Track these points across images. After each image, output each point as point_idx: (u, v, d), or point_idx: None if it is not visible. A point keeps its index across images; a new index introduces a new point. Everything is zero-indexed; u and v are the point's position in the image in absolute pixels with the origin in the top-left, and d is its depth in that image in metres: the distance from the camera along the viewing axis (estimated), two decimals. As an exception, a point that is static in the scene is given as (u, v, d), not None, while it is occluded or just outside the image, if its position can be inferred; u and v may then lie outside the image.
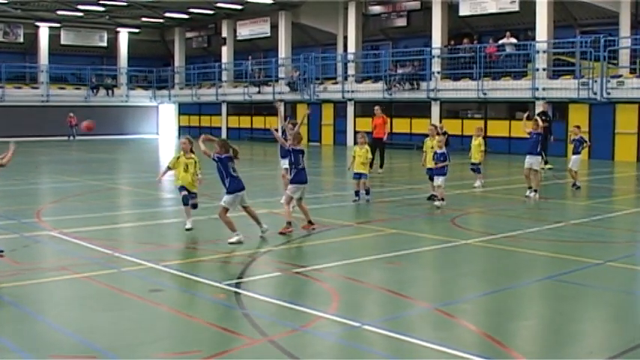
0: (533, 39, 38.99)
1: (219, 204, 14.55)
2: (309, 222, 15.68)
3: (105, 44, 63.11)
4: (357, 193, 19.62)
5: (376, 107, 31.22)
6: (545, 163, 29.25)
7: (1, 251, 12.73)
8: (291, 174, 15.78)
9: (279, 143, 16.38)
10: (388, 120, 31.43)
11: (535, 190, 20.62)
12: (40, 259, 13.17)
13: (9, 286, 11.02)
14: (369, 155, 20.04)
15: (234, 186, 14.25)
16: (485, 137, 35.18)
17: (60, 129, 53.91)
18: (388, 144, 30.42)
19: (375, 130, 29.43)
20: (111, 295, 10.43)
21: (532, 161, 20.81)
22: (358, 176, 19.69)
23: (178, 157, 15.83)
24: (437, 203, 18.80)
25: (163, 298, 10.27)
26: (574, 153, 23.13)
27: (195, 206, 15.83)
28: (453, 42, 44.08)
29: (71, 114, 53.89)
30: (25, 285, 11.06)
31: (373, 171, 25.62)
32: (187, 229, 15.41)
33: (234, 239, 13.93)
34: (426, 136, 20.85)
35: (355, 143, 20.65)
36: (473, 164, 23.32)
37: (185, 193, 15.66)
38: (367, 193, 19.75)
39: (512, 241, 14.53)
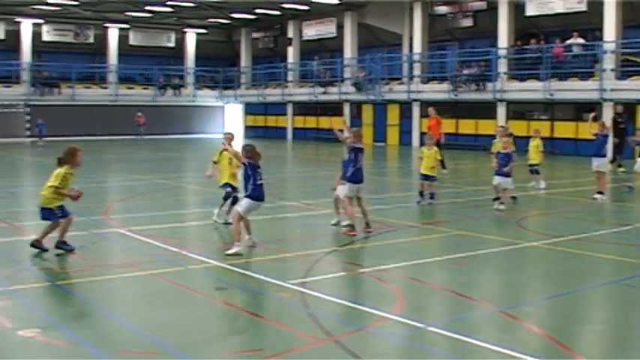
0: (601, 39, 38.47)
1: (236, 209, 14.32)
2: (367, 224, 15.35)
3: (172, 45, 63.73)
4: (421, 194, 19.49)
5: (430, 108, 31.27)
6: (619, 166, 28.89)
7: (73, 249, 12.96)
8: (347, 172, 15.49)
9: (344, 145, 16.17)
10: (442, 121, 31.19)
11: (601, 193, 20.34)
12: (108, 256, 13.40)
13: (78, 282, 11.28)
14: (438, 157, 19.89)
15: (258, 193, 13.59)
16: (551, 139, 34.99)
17: (128, 128, 54.66)
18: (450, 145, 30.21)
19: (430, 131, 29.29)
20: (177, 293, 10.57)
21: (598, 163, 20.54)
22: (425, 178, 19.57)
23: (222, 151, 16.02)
24: (498, 206, 18.54)
25: (228, 296, 10.38)
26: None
27: (235, 200, 15.81)
28: (519, 42, 43.69)
29: (139, 113, 54.63)
30: (94, 281, 11.27)
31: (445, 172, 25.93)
32: (226, 223, 15.85)
33: (233, 250, 13.03)
34: (493, 137, 20.69)
35: (422, 144, 20.55)
36: (531, 165, 23.12)
37: (229, 189, 16.00)
38: (432, 197, 19.59)
39: (578, 243, 14.38)
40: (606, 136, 20.89)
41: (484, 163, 33.85)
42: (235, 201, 15.73)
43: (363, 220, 15.38)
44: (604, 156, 20.84)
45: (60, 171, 12.92)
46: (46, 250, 12.95)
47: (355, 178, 15.34)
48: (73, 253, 12.80)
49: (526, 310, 9.86)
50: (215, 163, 16.40)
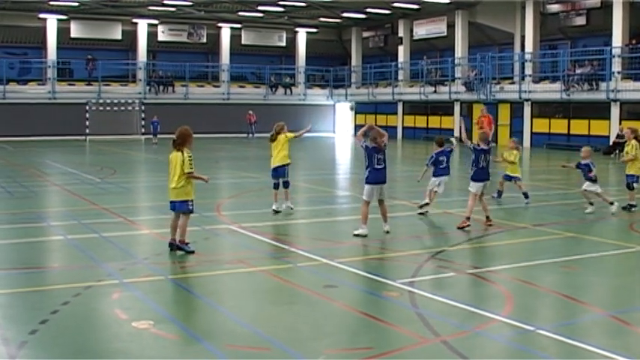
0: None
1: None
2: (487, 217, 16.18)
3: (284, 44, 64.31)
4: (499, 193, 20.43)
5: (482, 107, 31.22)
6: None
7: (193, 251, 13.08)
8: (471, 172, 16.34)
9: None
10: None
11: None
12: (219, 252, 13.64)
13: (190, 276, 11.55)
14: (514, 159, 20.15)
15: (372, 177, 14.83)
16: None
17: (240, 126, 55.35)
18: (562, 145, 29.87)
19: (482, 129, 29.14)
20: (286, 289, 10.72)
21: None
22: (508, 178, 20.35)
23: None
24: (611, 209, 18.16)
25: (337, 294, 10.46)
26: None
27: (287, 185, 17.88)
28: (634, 41, 42.75)
29: (250, 112, 55.25)
30: (205, 276, 11.52)
31: None
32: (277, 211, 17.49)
33: (358, 231, 14.61)
34: (607, 138, 20.30)
35: (531, 145, 20.26)
36: None
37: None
38: (526, 196, 19.70)
39: (695, 248, 14.04)
40: None
41: (597, 163, 33.25)
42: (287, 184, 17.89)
43: (484, 215, 16.22)
44: None
45: (185, 156, 12.87)
46: (192, 252, 12.93)
47: (477, 177, 16.17)
48: (193, 253, 12.98)
49: (637, 316, 9.67)
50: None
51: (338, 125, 63.50)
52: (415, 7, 53.19)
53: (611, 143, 39.02)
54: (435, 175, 17.82)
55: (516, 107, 47.54)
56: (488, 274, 11.60)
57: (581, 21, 45.92)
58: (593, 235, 15.40)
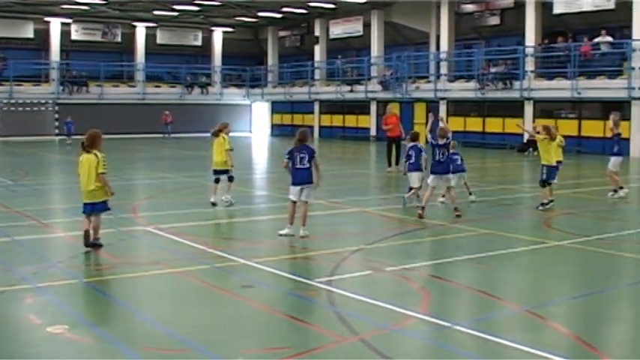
0: (630, 37, 38.23)
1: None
2: (455, 209, 17.14)
3: (199, 43, 63.97)
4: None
5: (389, 106, 31.84)
6: None
7: (101, 245, 13.06)
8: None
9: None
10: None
11: (621, 187, 20.40)
12: (136, 254, 13.48)
13: (106, 279, 11.39)
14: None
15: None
16: (578, 138, 34.81)
17: (155, 127, 54.82)
18: (477, 143, 30.33)
19: (392, 129, 29.58)
20: (204, 291, 10.63)
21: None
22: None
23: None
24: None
25: (255, 294, 10.41)
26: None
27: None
28: (546, 40, 43.51)
29: (166, 112, 54.82)
30: (121, 279, 11.36)
31: (391, 170, 27.67)
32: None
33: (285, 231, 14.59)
34: (521, 136, 20.78)
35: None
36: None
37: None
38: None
39: (606, 243, 14.30)
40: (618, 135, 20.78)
41: (511, 162, 33.82)
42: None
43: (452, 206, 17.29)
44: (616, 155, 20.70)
45: (100, 157, 12.96)
46: (101, 246, 13.12)
47: (434, 170, 17.27)
48: (98, 251, 12.89)
49: (552, 310, 9.84)
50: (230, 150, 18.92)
51: (255, 125, 63.36)
52: (331, 6, 53.34)
53: (525, 141, 39.62)
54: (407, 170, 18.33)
55: (432, 106, 47.96)
56: (405, 272, 11.66)
57: (495, 21, 46.64)
58: (507, 232, 15.61)
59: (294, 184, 14.65)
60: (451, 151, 17.95)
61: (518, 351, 7.99)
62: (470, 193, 19.48)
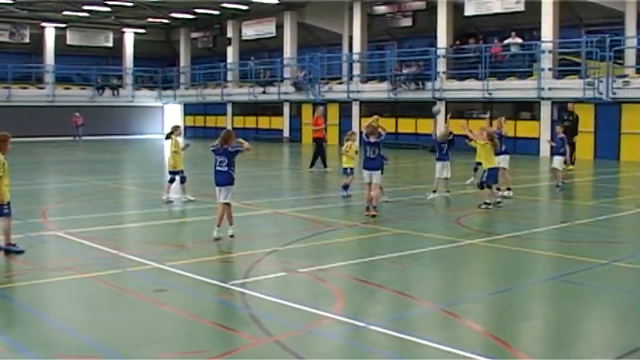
0: (539, 39, 38.95)
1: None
2: (371, 208, 17.29)
3: (110, 44, 63.18)
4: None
5: (319, 108, 32.18)
6: (572, 163, 29.29)
7: (22, 251, 12.78)
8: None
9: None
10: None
11: (507, 189, 20.80)
12: (46, 259, 13.19)
13: (15, 286, 11.11)
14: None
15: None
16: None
17: (66, 129, 53.90)
18: (389, 144, 30.60)
19: (320, 130, 29.89)
20: (116, 295, 10.45)
21: (498, 160, 20.78)
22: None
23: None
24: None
25: (168, 298, 10.29)
26: (556, 153, 23.18)
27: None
28: (458, 42, 44.08)
29: (77, 114, 54.00)
30: (31, 285, 11.10)
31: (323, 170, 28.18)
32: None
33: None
34: (430, 135, 21.07)
35: (361, 143, 20.61)
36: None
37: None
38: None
39: (517, 241, 14.52)
40: (502, 136, 21.15)
41: (423, 162, 34.10)
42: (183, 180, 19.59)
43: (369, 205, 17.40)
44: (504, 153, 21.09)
45: (1, 159, 12.72)
46: (22, 252, 12.91)
47: (364, 165, 17.79)
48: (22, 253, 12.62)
49: (466, 308, 9.92)
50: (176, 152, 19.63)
51: (167, 127, 62.78)
52: (244, 7, 53.19)
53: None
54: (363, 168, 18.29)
55: (345, 107, 48.16)
56: (319, 273, 11.65)
57: (407, 22, 47.05)
58: (421, 231, 15.72)
59: (216, 184, 14.67)
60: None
61: (434, 349, 8.02)
62: (382, 194, 19.61)
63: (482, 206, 18.65)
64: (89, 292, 10.69)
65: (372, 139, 17.70)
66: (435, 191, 20.10)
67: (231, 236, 14.47)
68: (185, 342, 8.46)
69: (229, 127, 15.06)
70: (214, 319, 9.27)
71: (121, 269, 11.92)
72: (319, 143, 29.65)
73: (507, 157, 21.24)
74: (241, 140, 14.81)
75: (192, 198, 19.58)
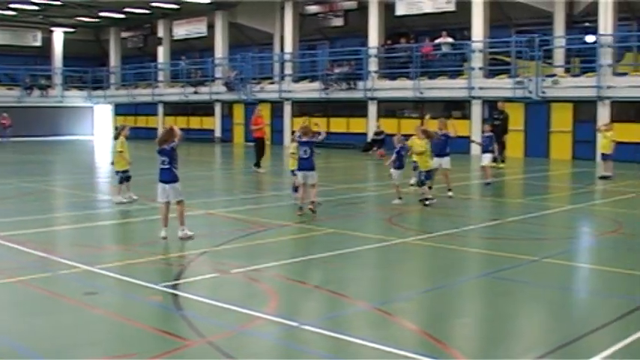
0: (469, 38, 39.36)
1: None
2: (304, 207, 17.52)
3: (39, 44, 62.25)
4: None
5: (258, 108, 32.30)
6: (502, 161, 29.62)
7: None
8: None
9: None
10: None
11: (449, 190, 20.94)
12: (-28, 263, 12.91)
13: (-60, 290, 10.84)
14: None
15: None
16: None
17: (-8, 130, 53.07)
18: (321, 143, 30.57)
19: (260, 130, 29.94)
20: (46, 299, 10.26)
21: (441, 161, 20.94)
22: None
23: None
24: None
25: (99, 301, 10.14)
26: (485, 151, 23.44)
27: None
28: (389, 41, 44.31)
29: (4, 114, 53.15)
30: (-43, 289, 10.85)
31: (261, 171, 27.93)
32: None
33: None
34: (365, 135, 21.14)
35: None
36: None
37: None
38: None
39: (449, 239, 14.62)
40: (447, 136, 21.25)
41: (355, 161, 34.20)
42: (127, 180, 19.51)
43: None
44: (447, 155, 21.18)
45: None
46: None
47: (299, 167, 17.85)
48: None
49: (399, 306, 9.94)
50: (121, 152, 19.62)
51: (97, 128, 62.17)
52: (175, 7, 52.83)
53: (369, 140, 40.24)
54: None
55: (276, 107, 48.12)
56: (252, 273, 11.58)
57: (339, 22, 47.15)
58: (354, 231, 15.73)
59: (160, 181, 14.62)
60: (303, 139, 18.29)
61: (368, 348, 8.02)
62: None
63: (427, 202, 19.05)
64: (18, 297, 10.47)
65: (305, 139, 17.71)
66: (400, 198, 19.78)
67: (183, 237, 14.31)
68: (116, 345, 8.34)
69: (173, 126, 14.84)
70: (146, 321, 9.15)
71: (51, 272, 11.72)
72: (260, 142, 29.58)
73: (448, 158, 21.25)
74: (176, 130, 14.76)
75: (135, 197, 19.41)
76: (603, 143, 26.57)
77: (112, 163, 20.29)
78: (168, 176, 14.51)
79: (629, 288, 11.00)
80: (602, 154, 26.62)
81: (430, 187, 19.70)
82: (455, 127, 21.63)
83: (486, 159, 23.33)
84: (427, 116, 23.55)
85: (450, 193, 20.59)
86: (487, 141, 23.61)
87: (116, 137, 20.34)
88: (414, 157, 20.06)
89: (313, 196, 17.72)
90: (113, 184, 19.99)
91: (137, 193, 19.48)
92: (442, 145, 20.85)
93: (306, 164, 17.66)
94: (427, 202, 19.09)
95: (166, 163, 14.48)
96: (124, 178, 19.55)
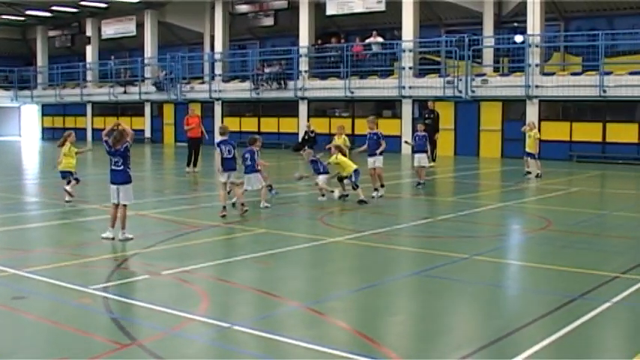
0: (400, 38, 39.61)
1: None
2: (227, 208, 17.41)
3: (-38, 43, 61.27)
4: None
5: (191, 108, 32.42)
6: (433, 160, 29.86)
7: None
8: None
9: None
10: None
11: (380, 187, 21.10)
12: None
13: None
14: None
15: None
16: (353, 135, 35.70)
17: None
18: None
19: (193, 130, 29.95)
20: (-29, 303, 10.05)
21: (374, 160, 21.08)
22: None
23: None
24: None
25: (27, 305, 9.95)
26: (420, 151, 23.52)
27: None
28: (320, 41, 44.42)
29: None
30: None
31: (189, 171, 28.46)
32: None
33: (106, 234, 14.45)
34: (296, 135, 21.20)
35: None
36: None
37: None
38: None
39: (380, 237, 14.67)
40: (377, 135, 21.44)
41: (286, 161, 34.18)
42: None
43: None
44: (380, 154, 21.34)
45: None
46: None
47: (222, 166, 17.56)
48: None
49: (332, 305, 9.93)
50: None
51: (24, 128, 61.28)
52: (103, 5, 52.39)
53: (300, 140, 40.26)
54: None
55: (207, 107, 47.90)
56: (183, 274, 11.48)
57: (269, 22, 47.16)
58: (284, 230, 15.72)
59: (111, 182, 14.52)
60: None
61: (301, 348, 7.99)
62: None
63: (363, 203, 19.30)
64: (-58, 301, 10.24)
65: (222, 137, 18.01)
66: (323, 195, 20.25)
67: (123, 240, 14.17)
68: (46, 350, 8.19)
69: (123, 125, 14.77)
70: (76, 325, 8.99)
71: (-23, 276, 11.48)
72: (192, 143, 29.51)
73: (381, 157, 21.36)
74: (127, 130, 14.64)
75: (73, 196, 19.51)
76: (529, 142, 26.93)
77: (57, 166, 20.22)
78: (122, 177, 14.44)
79: (559, 284, 11.13)
80: (528, 153, 26.97)
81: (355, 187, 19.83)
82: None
83: (423, 159, 23.38)
84: (372, 117, 23.38)
85: (378, 193, 20.68)
86: (422, 140, 23.65)
87: (62, 144, 20.10)
88: (336, 166, 20.19)
89: (239, 196, 17.75)
90: (69, 186, 19.57)
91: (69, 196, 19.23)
92: (374, 145, 20.98)
93: (229, 164, 17.61)
94: (366, 200, 19.46)
95: (120, 164, 14.39)
96: (75, 178, 19.83)
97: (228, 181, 17.62)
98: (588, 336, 8.67)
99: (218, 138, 18.14)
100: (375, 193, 20.67)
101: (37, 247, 14.46)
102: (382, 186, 21.01)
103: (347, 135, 22.82)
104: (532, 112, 34.86)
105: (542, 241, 14.81)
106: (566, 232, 15.82)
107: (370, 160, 20.95)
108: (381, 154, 21.10)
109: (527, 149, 26.98)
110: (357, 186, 19.67)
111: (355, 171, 19.73)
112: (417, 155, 23.49)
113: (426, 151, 23.68)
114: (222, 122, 46.23)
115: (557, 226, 16.34)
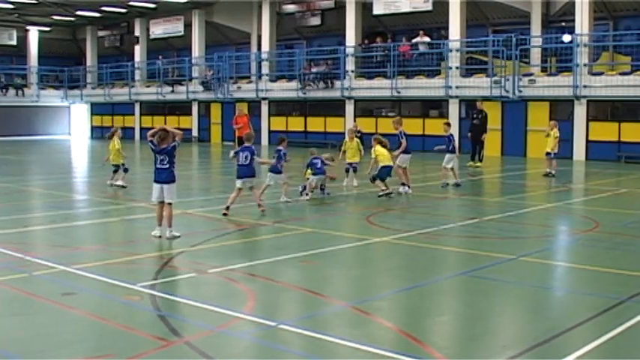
0: (447, 38, 39.47)
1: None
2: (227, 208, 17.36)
3: (14, 42, 61.89)
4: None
5: (239, 107, 32.44)
6: (480, 160, 29.78)
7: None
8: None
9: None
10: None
11: (404, 184, 21.35)
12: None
13: None
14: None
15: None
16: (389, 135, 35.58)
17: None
18: (299, 143, 30.70)
19: (242, 129, 30.02)
20: (21, 300, 10.18)
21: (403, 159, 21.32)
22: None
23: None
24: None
25: (76, 301, 10.07)
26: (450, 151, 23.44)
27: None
28: (366, 41, 44.35)
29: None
30: None
31: None
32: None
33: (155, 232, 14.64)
34: (343, 135, 21.52)
35: (270, 142, 20.60)
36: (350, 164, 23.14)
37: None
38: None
39: (427, 237, 14.63)
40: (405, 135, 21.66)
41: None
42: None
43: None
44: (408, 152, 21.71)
45: None
46: None
47: (237, 174, 17.53)
48: None
49: (377, 305, 9.93)
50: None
51: (74, 127, 61.89)
52: (152, 5, 52.72)
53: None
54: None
55: (254, 106, 48.06)
56: (229, 273, 11.55)
57: (316, 21, 47.12)
58: (331, 230, 15.73)
59: (155, 181, 14.61)
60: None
61: (346, 347, 8.01)
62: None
63: (383, 196, 20.01)
64: (-6, 297, 10.40)
65: (247, 144, 17.93)
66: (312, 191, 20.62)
67: (170, 238, 14.25)
68: (93, 346, 8.29)
69: (166, 127, 14.93)
70: (123, 322, 9.09)
71: (27, 273, 11.63)
72: (241, 142, 29.64)
73: (408, 156, 21.53)
74: (174, 131, 14.73)
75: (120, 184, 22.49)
76: (548, 142, 26.73)
77: (108, 160, 23.49)
78: (167, 176, 14.52)
79: (607, 286, 11.05)
80: (547, 153, 26.79)
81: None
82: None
83: (451, 161, 23.25)
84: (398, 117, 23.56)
85: (405, 190, 20.81)
86: (448, 142, 23.49)
87: (110, 137, 23.41)
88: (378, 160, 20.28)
89: (257, 198, 17.92)
90: (120, 174, 22.73)
91: (117, 194, 19.39)
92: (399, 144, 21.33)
93: (242, 172, 17.54)
94: (390, 195, 20.05)
95: (165, 162, 14.47)
96: (124, 169, 22.91)
97: (244, 187, 17.55)
98: (638, 339, 8.60)
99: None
100: (402, 189, 20.81)
101: (86, 244, 14.62)
102: (403, 184, 21.12)
103: (392, 135, 22.74)
104: (580, 113, 34.58)
105: (589, 243, 14.69)
106: (614, 233, 15.67)
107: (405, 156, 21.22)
108: (404, 152, 21.30)
109: (547, 149, 26.76)
110: (375, 180, 20.25)
111: (386, 167, 20.13)
112: (446, 156, 23.34)
113: (452, 152, 23.41)
114: (269, 122, 46.53)
115: (605, 228, 16.19)
